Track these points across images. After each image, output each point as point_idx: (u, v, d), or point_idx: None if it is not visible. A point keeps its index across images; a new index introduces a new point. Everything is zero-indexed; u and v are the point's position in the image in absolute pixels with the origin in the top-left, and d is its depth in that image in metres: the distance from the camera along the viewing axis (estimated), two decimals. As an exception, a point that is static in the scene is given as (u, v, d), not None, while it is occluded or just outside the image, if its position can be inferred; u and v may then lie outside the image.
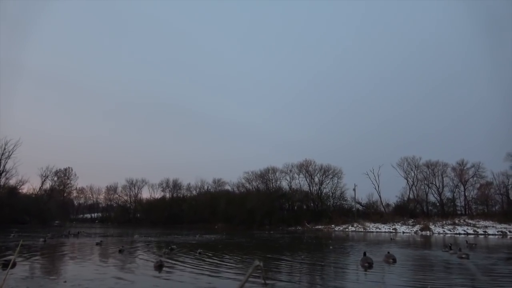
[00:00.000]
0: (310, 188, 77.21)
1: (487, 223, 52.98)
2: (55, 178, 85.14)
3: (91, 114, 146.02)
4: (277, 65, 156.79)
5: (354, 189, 71.22)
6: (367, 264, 13.70)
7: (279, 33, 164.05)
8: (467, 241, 28.41)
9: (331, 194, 75.80)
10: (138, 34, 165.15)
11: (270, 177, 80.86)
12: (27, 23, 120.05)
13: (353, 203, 73.07)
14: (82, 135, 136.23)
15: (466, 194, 67.19)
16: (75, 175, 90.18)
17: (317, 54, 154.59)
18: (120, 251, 17.77)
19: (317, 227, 63.26)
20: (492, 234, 46.89)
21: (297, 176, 79.06)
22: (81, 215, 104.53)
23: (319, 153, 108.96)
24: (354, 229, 58.78)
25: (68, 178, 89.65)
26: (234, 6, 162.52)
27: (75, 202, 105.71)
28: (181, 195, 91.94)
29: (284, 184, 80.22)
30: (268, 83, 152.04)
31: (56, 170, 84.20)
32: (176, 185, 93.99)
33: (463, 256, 17.21)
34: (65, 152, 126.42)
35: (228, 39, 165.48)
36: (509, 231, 47.85)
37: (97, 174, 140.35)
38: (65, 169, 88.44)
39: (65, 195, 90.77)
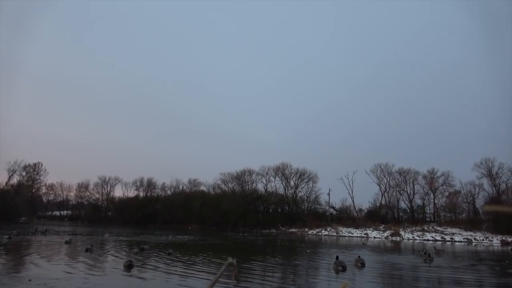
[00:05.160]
0: (285, 191, 77.60)
1: (454, 230, 54.80)
2: (24, 173, 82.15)
3: (65, 109, 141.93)
4: (252, 69, 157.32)
5: (328, 194, 72.15)
6: (341, 268, 13.84)
7: (259, 36, 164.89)
8: (435, 247, 29.30)
9: (306, 198, 76.46)
10: (132, 35, 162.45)
11: (246, 179, 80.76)
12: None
13: (327, 208, 74.00)
14: (54, 130, 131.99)
15: (436, 201, 69.25)
16: (45, 170, 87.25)
17: (292, 59, 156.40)
18: (87, 250, 17.26)
19: (291, 230, 63.60)
20: (459, 241, 48.55)
21: (273, 179, 79.27)
22: (50, 212, 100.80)
23: (295, 157, 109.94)
24: (327, 233, 59.48)
25: (37, 174, 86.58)
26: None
27: (44, 199, 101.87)
28: (155, 195, 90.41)
29: (260, 186, 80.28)
30: (245, 86, 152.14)
31: (25, 165, 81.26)
32: (150, 184, 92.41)
33: (427, 260, 18.22)
34: (35, 146, 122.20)
35: (212, 43, 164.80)
36: (474, 239, 49.67)
37: (68, 170, 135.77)
38: (35, 164, 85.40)
39: (33, 191, 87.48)
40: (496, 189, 62.19)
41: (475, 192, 64.19)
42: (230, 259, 1.51)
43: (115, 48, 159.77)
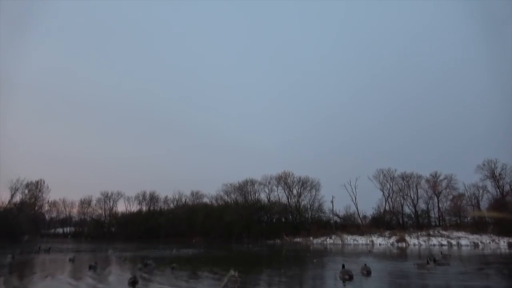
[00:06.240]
0: (288, 201, 77.32)
1: (460, 234, 54.30)
2: (26, 191, 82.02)
3: (66, 125, 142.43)
4: (254, 75, 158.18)
5: (331, 201, 71.63)
6: (347, 276, 13.67)
7: (262, 44, 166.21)
8: (441, 252, 29.01)
9: (309, 207, 76.06)
10: (135, 48, 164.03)
11: (249, 189, 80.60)
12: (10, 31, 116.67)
13: (331, 215, 73.53)
14: (56, 146, 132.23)
15: (440, 205, 68.80)
16: (47, 187, 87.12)
17: (292, 66, 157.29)
18: (91, 268, 17.11)
19: (295, 240, 63.11)
20: (465, 245, 48.08)
21: (275, 188, 79.07)
22: (53, 230, 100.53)
23: (297, 164, 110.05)
24: (332, 241, 59.00)
25: (40, 191, 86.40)
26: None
27: (46, 216, 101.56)
28: (158, 208, 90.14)
29: (263, 196, 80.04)
30: (246, 95, 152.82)
31: (27, 183, 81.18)
32: (153, 198, 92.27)
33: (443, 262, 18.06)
34: (37, 163, 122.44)
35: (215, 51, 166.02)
36: (481, 242, 49.20)
37: (71, 186, 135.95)
38: (37, 182, 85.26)
39: (36, 208, 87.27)
40: (500, 190, 61.80)
41: (479, 195, 63.82)
42: (232, 272, 1.50)
43: (116, 62, 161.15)
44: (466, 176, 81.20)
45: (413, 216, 70.35)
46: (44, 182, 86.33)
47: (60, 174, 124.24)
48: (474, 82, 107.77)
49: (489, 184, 62.82)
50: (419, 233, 57.17)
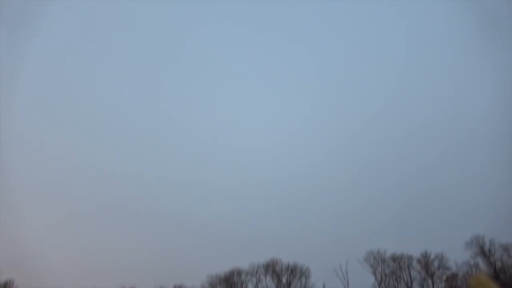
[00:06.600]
0: (278, 291, 73.34)
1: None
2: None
3: (36, 217, 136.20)
4: (240, 159, 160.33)
5: (323, 289, 68.40)
6: None
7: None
8: None
9: (300, 297, 72.12)
10: (97, 117, 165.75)
11: (236, 280, 76.50)
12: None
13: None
14: (27, 241, 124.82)
15: (435, 287, 66.46)
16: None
17: (277, 146, 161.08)
18: None
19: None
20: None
21: (263, 278, 75.44)
22: None
23: (284, 250, 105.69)
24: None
25: (8, 293, 80.00)
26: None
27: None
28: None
29: (251, 287, 75.93)
30: (229, 181, 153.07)
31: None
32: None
33: None
34: (7, 261, 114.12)
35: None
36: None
37: (44, 284, 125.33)
38: (6, 283, 79.69)
39: (2, 314, 79.69)
40: (492, 267, 60.70)
41: (472, 273, 62.29)
42: None
43: (100, 146, 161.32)
44: (456, 253, 79.75)
45: (409, 301, 67.25)
46: (13, 283, 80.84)
47: (30, 271, 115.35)
48: (460, 164, 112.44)
49: (480, 261, 62.01)
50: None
